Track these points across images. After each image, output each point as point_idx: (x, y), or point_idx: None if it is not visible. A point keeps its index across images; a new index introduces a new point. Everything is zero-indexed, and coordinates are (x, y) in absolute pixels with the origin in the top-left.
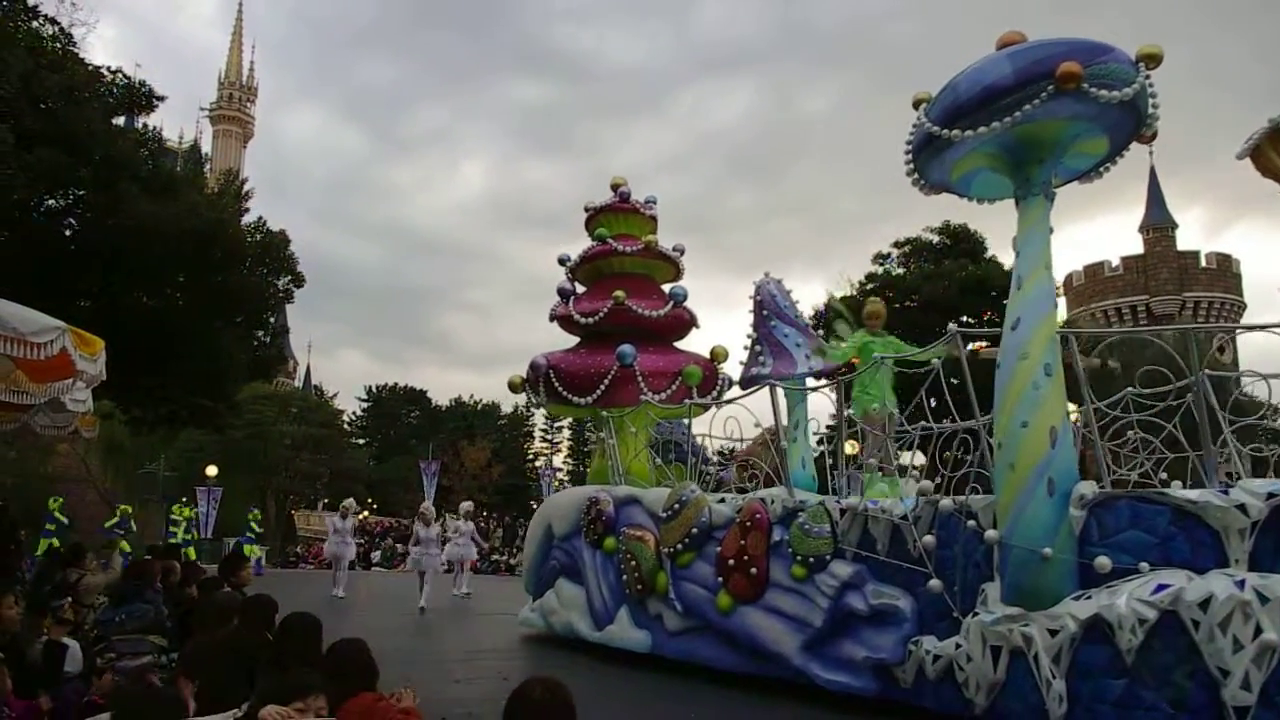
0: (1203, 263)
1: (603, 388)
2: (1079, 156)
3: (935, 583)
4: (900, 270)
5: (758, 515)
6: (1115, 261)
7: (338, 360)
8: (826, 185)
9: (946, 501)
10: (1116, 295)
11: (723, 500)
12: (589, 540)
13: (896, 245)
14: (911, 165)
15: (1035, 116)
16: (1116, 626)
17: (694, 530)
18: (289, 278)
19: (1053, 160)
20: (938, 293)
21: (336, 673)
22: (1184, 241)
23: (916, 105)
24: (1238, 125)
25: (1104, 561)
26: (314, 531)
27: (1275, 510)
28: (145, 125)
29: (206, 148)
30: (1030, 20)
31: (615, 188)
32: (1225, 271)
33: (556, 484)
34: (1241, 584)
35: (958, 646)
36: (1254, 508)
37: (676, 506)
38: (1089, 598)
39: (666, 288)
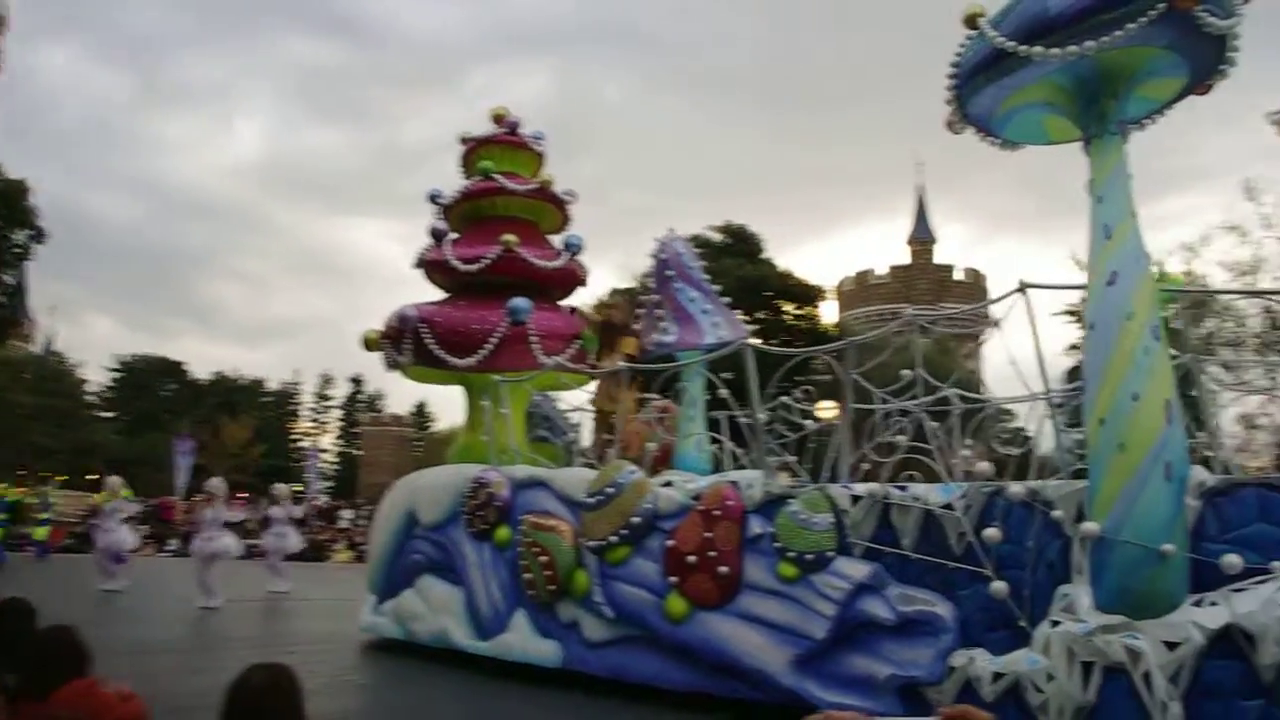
0: (957, 276)
1: (488, 348)
2: (1140, 100)
3: (1000, 585)
4: None
5: (729, 502)
6: (882, 270)
7: (87, 326)
8: (612, 176)
9: (1017, 487)
10: (881, 302)
11: (670, 484)
12: (473, 530)
13: None
14: (958, 90)
15: (1136, 40)
16: (1259, 638)
17: (634, 520)
18: (29, 232)
19: (1126, 96)
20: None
21: (41, 660)
22: (945, 256)
23: (970, 20)
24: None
25: (1234, 560)
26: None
27: None
28: None
29: None
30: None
31: (499, 119)
32: (976, 286)
33: (325, 465)
34: None
35: (1033, 664)
36: None
37: (610, 491)
38: (1214, 604)
39: (556, 238)
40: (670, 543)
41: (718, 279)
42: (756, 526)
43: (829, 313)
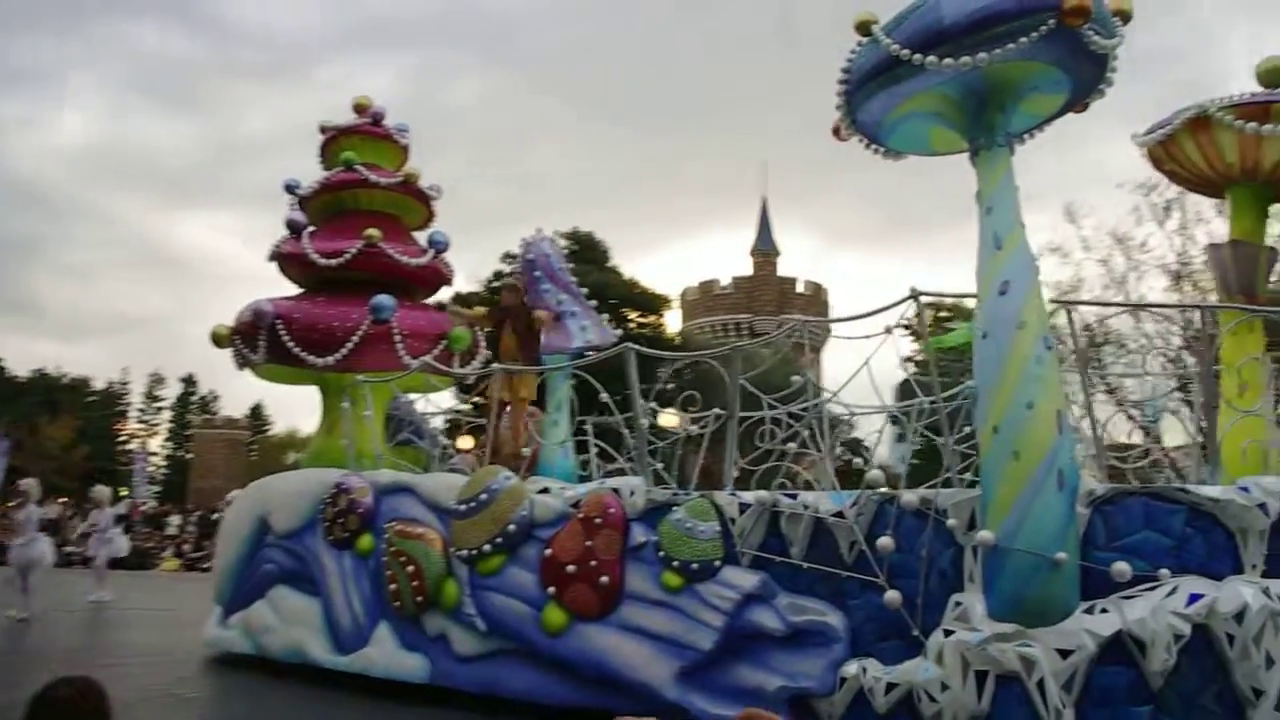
0: (799, 288)
1: (349, 347)
2: (1023, 115)
3: (894, 595)
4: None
5: (610, 510)
6: (726, 280)
7: None
8: (463, 177)
9: (911, 496)
10: (725, 311)
11: (546, 491)
12: (333, 539)
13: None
14: (848, 95)
15: (1026, 54)
16: (1149, 644)
17: (509, 528)
18: None
19: (1012, 109)
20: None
21: None
22: (788, 268)
23: (863, 27)
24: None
25: (1124, 568)
26: None
27: None
28: None
29: None
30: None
31: (361, 109)
32: (817, 298)
33: (154, 469)
34: (1266, 592)
35: (927, 674)
36: (1274, 507)
37: (483, 497)
38: (1105, 611)
39: (420, 235)
40: (548, 552)
41: None
42: (639, 535)
43: (673, 321)
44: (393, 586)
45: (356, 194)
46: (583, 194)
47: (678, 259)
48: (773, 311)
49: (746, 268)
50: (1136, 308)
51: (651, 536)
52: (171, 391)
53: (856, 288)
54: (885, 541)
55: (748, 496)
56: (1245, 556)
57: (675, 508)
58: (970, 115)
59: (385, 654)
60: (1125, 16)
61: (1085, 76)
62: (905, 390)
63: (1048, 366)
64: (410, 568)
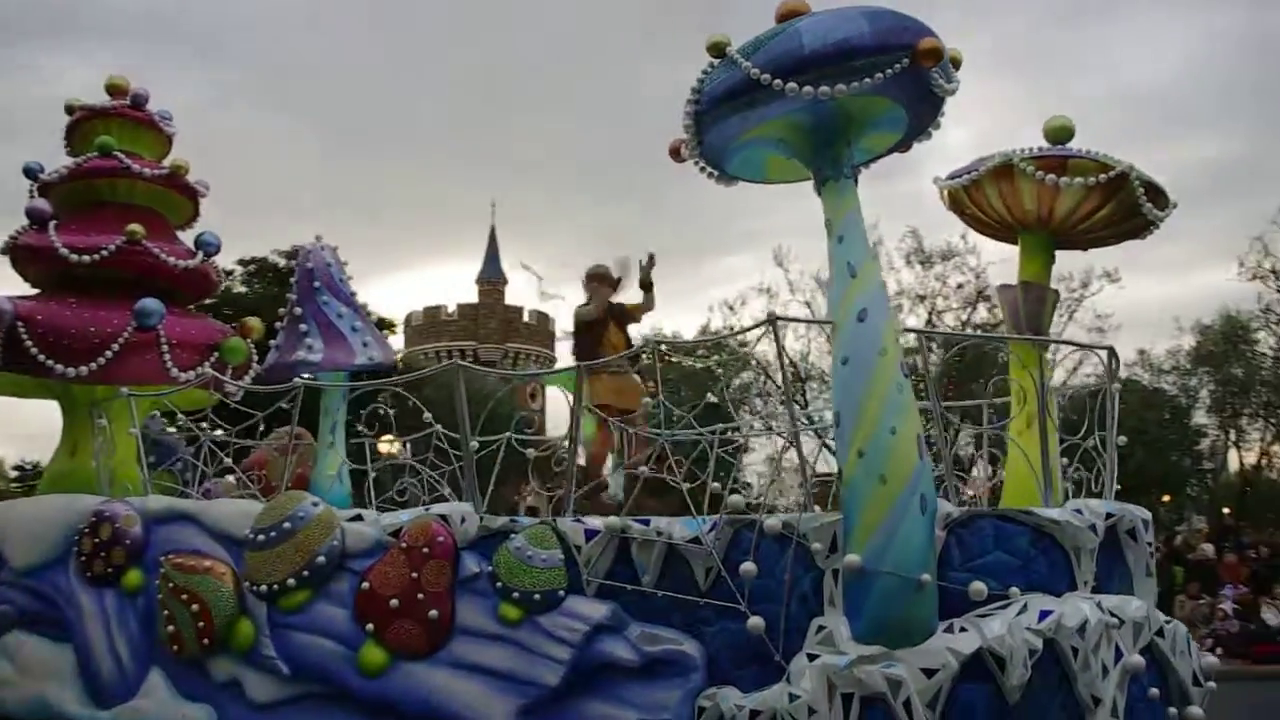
0: (525, 318)
1: (108, 355)
2: (860, 150)
3: (757, 620)
4: (244, 289)
5: (439, 539)
6: (452, 307)
7: None
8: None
9: (774, 520)
10: (450, 338)
11: (358, 518)
12: (88, 574)
13: (241, 263)
14: (697, 115)
15: (879, 90)
16: (1008, 660)
17: (318, 560)
18: None
19: (855, 143)
20: (277, 315)
21: None
22: (514, 297)
23: (716, 48)
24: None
25: (980, 588)
26: None
27: (1109, 530)
28: None
29: None
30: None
31: (116, 90)
32: (542, 328)
33: None
34: (1099, 606)
35: (792, 699)
36: (1100, 528)
37: (286, 526)
38: (964, 630)
39: (183, 235)
40: (365, 585)
41: (279, 305)
42: (472, 565)
43: (396, 345)
44: (170, 628)
45: (115, 184)
46: (306, 212)
47: (409, 284)
48: (498, 340)
49: (473, 296)
50: (986, 339)
51: (485, 566)
52: None
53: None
54: (748, 567)
55: (594, 523)
56: (1079, 574)
57: (513, 535)
58: (818, 146)
59: (159, 704)
60: (956, 64)
61: (921, 118)
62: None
63: (907, 393)
64: (194, 606)
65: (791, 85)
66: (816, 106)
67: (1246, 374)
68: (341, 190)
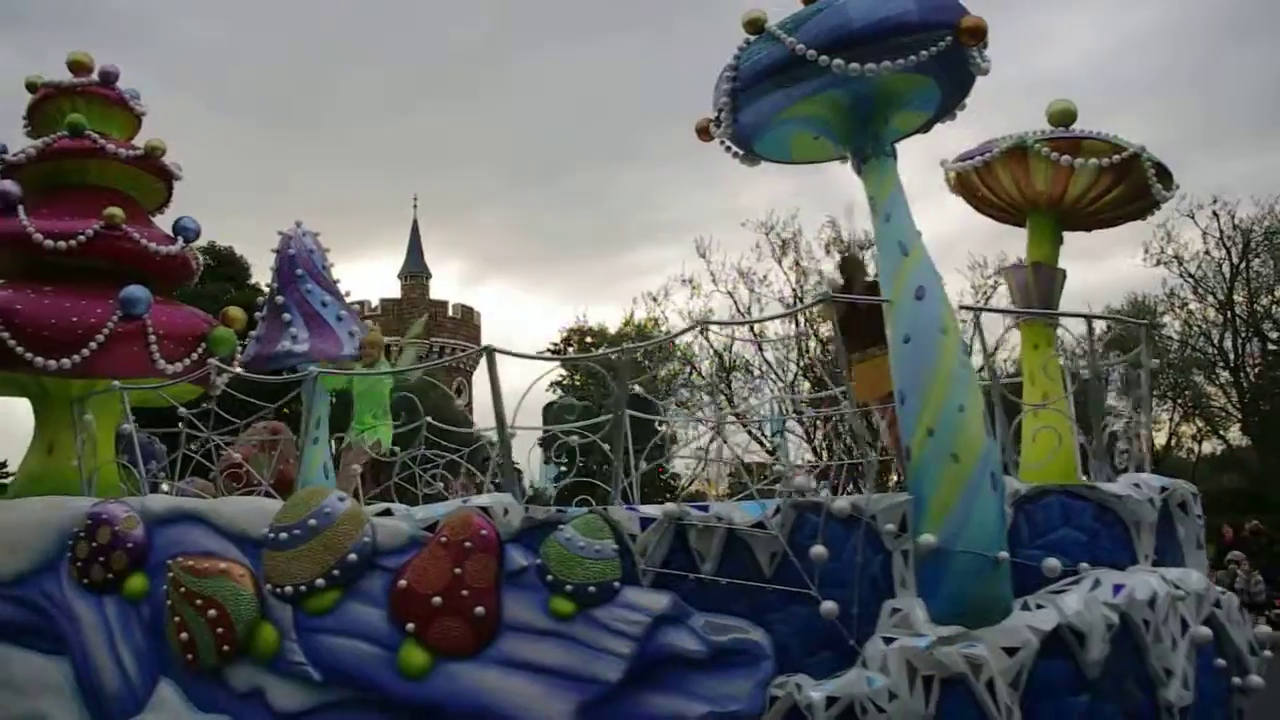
0: (450, 312)
1: (92, 347)
2: (892, 129)
3: (830, 605)
4: None
5: (481, 532)
6: (375, 302)
7: None
8: None
9: (842, 502)
10: None
11: (388, 512)
12: (85, 581)
13: None
14: (734, 92)
15: (924, 67)
16: (1088, 635)
17: (349, 558)
18: None
19: (891, 120)
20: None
21: None
22: (438, 291)
23: (755, 24)
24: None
25: (1055, 564)
26: None
27: (1164, 504)
28: None
29: None
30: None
31: (80, 66)
32: (468, 321)
33: None
34: (1164, 579)
35: (871, 683)
36: (1157, 501)
37: (311, 523)
38: (1041, 607)
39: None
40: (402, 583)
41: (199, 303)
42: (518, 558)
43: None
44: (183, 636)
45: (86, 165)
46: (221, 204)
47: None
48: (422, 335)
49: (396, 290)
50: (1039, 315)
51: (533, 559)
52: None
53: (509, 312)
54: (819, 550)
55: (649, 510)
56: (1139, 547)
57: (560, 527)
58: (857, 123)
59: (171, 718)
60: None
61: (952, 97)
62: (552, 414)
63: (970, 370)
64: (211, 611)
65: (838, 61)
66: (856, 84)
67: (1155, 357)
68: (255, 184)
